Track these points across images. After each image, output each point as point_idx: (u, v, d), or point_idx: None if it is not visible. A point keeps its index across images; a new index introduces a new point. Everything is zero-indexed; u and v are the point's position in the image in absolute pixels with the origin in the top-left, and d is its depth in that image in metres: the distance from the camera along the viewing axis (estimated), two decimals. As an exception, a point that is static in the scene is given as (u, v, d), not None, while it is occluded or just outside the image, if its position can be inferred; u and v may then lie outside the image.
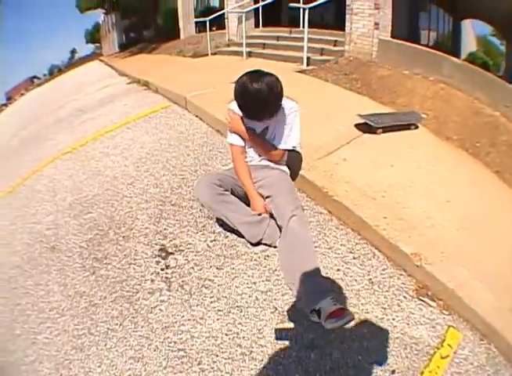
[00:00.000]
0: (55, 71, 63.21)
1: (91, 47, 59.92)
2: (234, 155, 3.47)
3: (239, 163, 3.41)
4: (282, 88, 3.07)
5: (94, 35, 50.19)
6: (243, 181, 3.34)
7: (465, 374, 2.58)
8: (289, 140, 3.41)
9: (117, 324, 2.97)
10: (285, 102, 3.26)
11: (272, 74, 3.07)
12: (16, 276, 3.81)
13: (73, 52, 77.76)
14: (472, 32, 16.82)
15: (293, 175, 3.84)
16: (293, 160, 3.89)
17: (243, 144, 3.44)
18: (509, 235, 3.83)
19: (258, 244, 3.36)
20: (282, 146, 3.42)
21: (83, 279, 3.48)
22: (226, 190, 3.26)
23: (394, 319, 2.83)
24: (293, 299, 2.91)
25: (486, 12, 14.07)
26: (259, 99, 2.98)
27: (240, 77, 3.07)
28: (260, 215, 3.30)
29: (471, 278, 3.02)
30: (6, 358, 2.99)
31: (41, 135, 8.48)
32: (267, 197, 3.30)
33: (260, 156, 3.51)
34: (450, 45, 16.35)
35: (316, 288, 2.75)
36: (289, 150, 3.53)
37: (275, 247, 3.28)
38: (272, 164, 3.53)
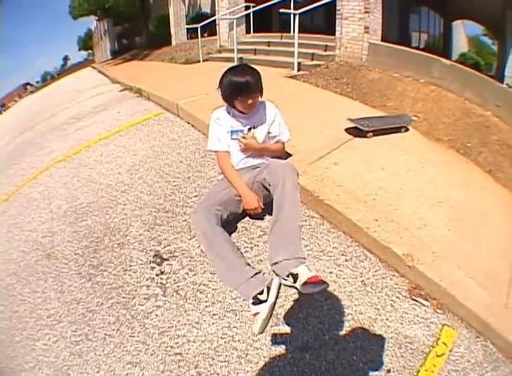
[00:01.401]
0: (48, 78, 63.34)
1: (83, 54, 60.10)
2: (221, 161, 3.57)
3: (228, 168, 3.50)
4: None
5: (86, 42, 50.20)
6: (235, 182, 3.37)
7: (462, 371, 2.61)
8: (282, 132, 3.71)
9: (114, 330, 3.00)
10: (263, 101, 3.65)
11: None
12: (14, 283, 3.84)
13: (65, 59, 77.98)
14: (463, 32, 16.86)
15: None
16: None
17: (227, 149, 3.55)
18: (501, 233, 3.87)
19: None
20: (281, 139, 3.73)
21: (79, 286, 3.51)
22: (219, 224, 3.14)
23: (387, 320, 2.86)
24: (286, 302, 2.97)
25: (477, 12, 14.13)
26: (242, 68, 3.44)
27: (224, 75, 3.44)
28: (248, 265, 3.10)
29: (464, 277, 3.05)
30: (7, 364, 3.02)
31: (35, 142, 8.48)
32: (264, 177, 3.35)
33: (246, 157, 3.58)
34: (441, 46, 16.41)
35: (295, 252, 2.85)
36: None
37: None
38: (261, 163, 3.58)
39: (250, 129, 3.51)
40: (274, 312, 2.83)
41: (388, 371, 2.56)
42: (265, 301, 2.80)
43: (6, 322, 3.44)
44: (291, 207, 3.06)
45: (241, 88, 3.28)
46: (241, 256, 3.12)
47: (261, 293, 2.81)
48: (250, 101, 3.33)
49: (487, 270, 3.24)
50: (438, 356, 2.67)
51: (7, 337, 3.29)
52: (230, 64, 10.36)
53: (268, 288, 2.85)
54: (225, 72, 3.41)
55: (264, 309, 2.77)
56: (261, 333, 2.73)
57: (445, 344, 2.75)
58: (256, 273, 2.89)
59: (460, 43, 16.74)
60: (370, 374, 2.54)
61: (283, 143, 3.79)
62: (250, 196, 3.31)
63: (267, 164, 3.46)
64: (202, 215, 3.11)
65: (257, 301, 2.81)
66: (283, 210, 3.03)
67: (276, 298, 2.82)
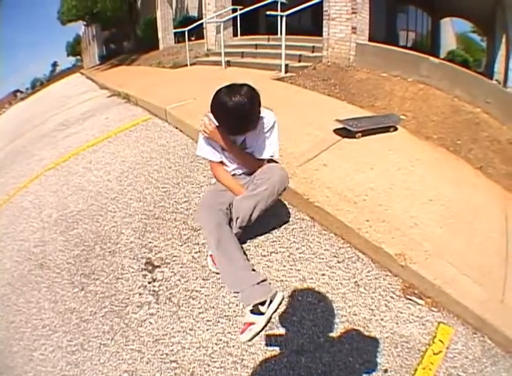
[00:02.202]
0: (37, 85, 63.18)
1: (72, 60, 59.88)
2: (215, 169, 3.31)
3: (222, 173, 3.27)
4: (259, 98, 2.89)
5: (75, 48, 50.12)
6: (227, 183, 3.22)
7: (461, 368, 2.61)
8: (266, 150, 3.21)
9: (108, 339, 2.99)
10: (262, 112, 3.06)
11: (248, 85, 2.87)
12: (8, 293, 3.82)
13: (54, 65, 77.74)
14: (452, 30, 16.89)
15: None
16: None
17: (219, 159, 3.26)
18: (493, 230, 3.88)
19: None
20: (261, 156, 3.23)
21: (72, 295, 3.49)
22: (228, 223, 3.09)
23: (382, 320, 2.86)
24: (279, 306, 2.95)
25: (466, 9, 14.14)
26: (241, 113, 2.75)
27: (217, 93, 2.83)
28: (254, 270, 3.04)
29: (458, 274, 3.06)
30: (7, 374, 3.01)
31: (25, 150, 8.43)
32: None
33: (240, 166, 3.34)
34: (429, 44, 16.44)
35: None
36: (266, 159, 3.30)
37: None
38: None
39: (243, 141, 3.20)
40: (269, 316, 2.85)
41: (385, 371, 2.55)
42: (263, 313, 2.81)
43: (4, 332, 3.42)
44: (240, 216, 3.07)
45: (238, 129, 2.94)
46: (247, 259, 3.11)
47: (262, 303, 2.81)
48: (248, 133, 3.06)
49: (481, 267, 3.25)
50: (435, 353, 2.67)
51: (6, 347, 3.27)
52: (217, 67, 10.50)
53: (271, 301, 2.86)
54: (219, 97, 2.79)
55: (261, 321, 2.79)
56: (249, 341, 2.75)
57: (441, 341, 2.75)
58: (262, 280, 2.88)
59: (448, 41, 16.77)
60: (367, 374, 2.54)
61: (262, 161, 3.26)
62: (240, 187, 3.20)
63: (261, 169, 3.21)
64: (210, 213, 3.04)
65: (255, 311, 2.81)
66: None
67: (274, 312, 2.85)
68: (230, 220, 3.14)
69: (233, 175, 3.37)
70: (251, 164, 3.25)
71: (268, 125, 3.15)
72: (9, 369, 3.05)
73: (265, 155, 3.23)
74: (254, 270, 3.02)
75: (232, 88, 2.79)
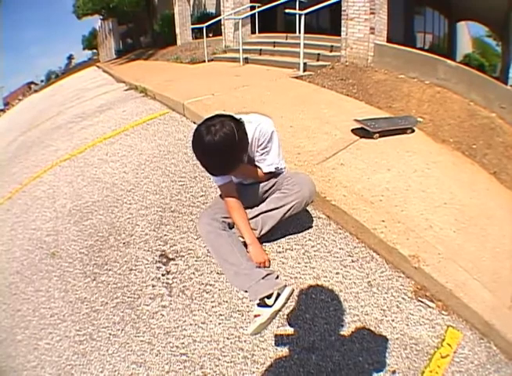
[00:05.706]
0: (52, 77, 63.57)
1: (88, 53, 60.23)
2: (226, 196, 3.10)
3: (234, 206, 3.07)
4: (244, 131, 2.72)
5: (91, 41, 50.32)
6: (241, 228, 3.07)
7: (466, 372, 2.61)
8: (267, 163, 3.15)
9: (118, 330, 2.99)
10: (259, 123, 2.99)
11: (226, 116, 2.69)
12: (17, 282, 3.83)
13: (70, 58, 78.22)
14: (467, 33, 16.80)
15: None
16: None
17: (231, 179, 3.10)
18: (506, 235, 3.86)
19: None
20: (265, 170, 3.18)
21: (84, 285, 3.50)
22: (225, 229, 3.09)
23: (393, 321, 2.85)
24: (292, 303, 2.97)
25: (481, 13, 14.04)
26: (218, 152, 2.60)
27: (195, 130, 2.68)
28: (259, 266, 3.02)
29: (469, 278, 3.05)
30: (7, 363, 3.01)
31: (39, 141, 8.48)
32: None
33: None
34: (446, 47, 16.34)
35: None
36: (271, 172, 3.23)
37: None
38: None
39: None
40: (280, 313, 2.81)
41: (393, 372, 2.55)
42: (270, 306, 2.75)
43: (8, 320, 3.44)
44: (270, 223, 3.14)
45: (219, 170, 2.82)
46: (250, 259, 3.06)
47: (269, 296, 2.75)
48: None
49: (492, 272, 3.24)
50: (442, 357, 2.67)
51: (8, 335, 3.29)
52: (235, 64, 10.51)
53: (279, 294, 2.78)
54: (195, 135, 2.66)
55: (266, 313, 2.70)
56: (255, 335, 2.72)
57: (449, 345, 2.74)
58: (267, 274, 2.83)
59: (464, 44, 16.69)
60: (376, 375, 2.54)
61: (264, 173, 3.22)
62: (256, 249, 3.07)
63: (290, 176, 3.24)
64: (206, 220, 3.06)
65: (262, 304, 2.77)
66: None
67: (283, 306, 2.74)
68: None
69: (241, 183, 3.35)
70: (259, 176, 3.26)
71: (265, 138, 3.03)
72: (11, 358, 3.07)
73: (268, 169, 3.18)
74: (258, 267, 3.00)
75: (212, 124, 2.61)
